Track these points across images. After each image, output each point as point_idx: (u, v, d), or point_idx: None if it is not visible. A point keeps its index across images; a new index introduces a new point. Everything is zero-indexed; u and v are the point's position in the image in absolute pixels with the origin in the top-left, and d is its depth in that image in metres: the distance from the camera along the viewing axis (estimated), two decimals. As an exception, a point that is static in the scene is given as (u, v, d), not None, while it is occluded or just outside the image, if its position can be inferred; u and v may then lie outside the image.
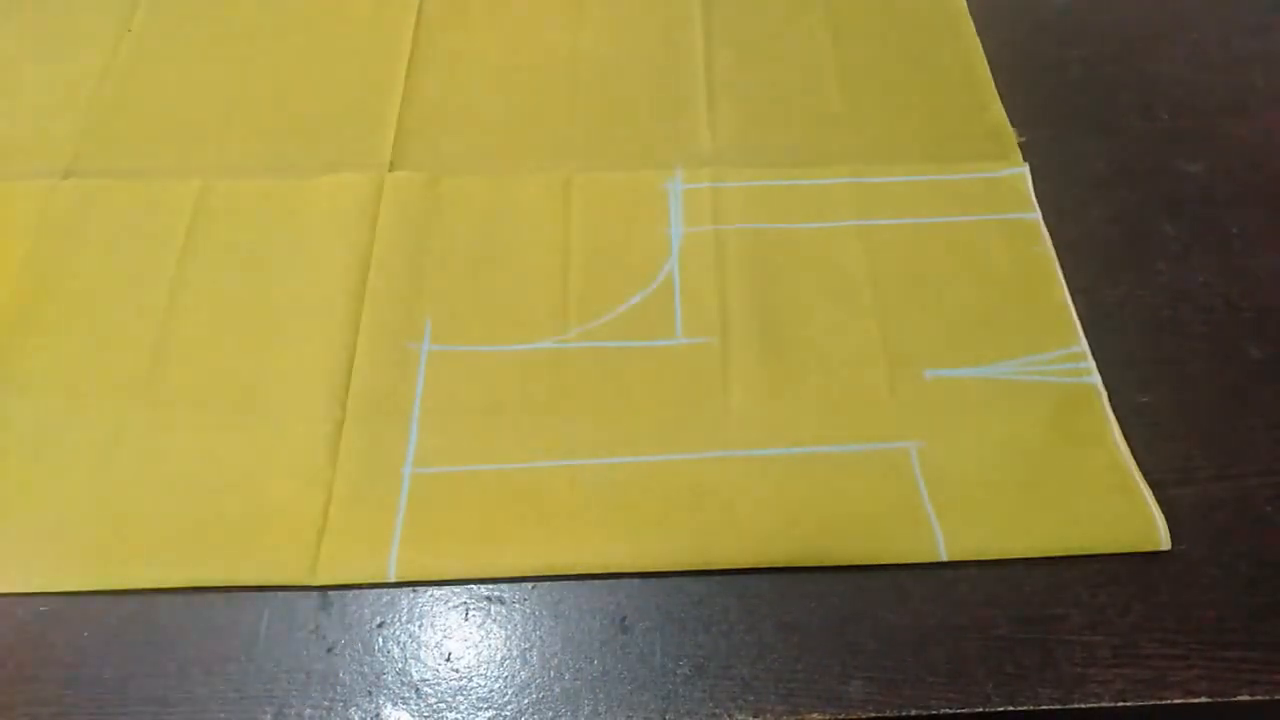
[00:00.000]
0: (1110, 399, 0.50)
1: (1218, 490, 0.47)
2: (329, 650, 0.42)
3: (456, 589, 0.44)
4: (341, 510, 0.46)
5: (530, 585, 0.45)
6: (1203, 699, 0.41)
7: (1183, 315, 0.54)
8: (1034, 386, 0.50)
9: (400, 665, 0.42)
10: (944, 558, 0.45)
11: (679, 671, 0.42)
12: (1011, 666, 0.42)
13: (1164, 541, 0.45)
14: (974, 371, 0.51)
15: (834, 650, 0.42)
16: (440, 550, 0.45)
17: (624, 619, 0.43)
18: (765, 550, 0.45)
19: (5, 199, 0.58)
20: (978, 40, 0.67)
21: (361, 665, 0.42)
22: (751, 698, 0.41)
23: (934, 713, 0.41)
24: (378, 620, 0.43)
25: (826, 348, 0.52)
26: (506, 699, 0.42)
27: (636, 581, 0.44)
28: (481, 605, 0.44)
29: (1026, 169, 0.59)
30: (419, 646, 0.43)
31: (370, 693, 0.41)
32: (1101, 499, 0.46)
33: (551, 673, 0.42)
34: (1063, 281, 0.54)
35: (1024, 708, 0.41)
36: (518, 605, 0.44)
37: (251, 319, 0.53)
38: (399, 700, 0.42)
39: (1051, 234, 0.56)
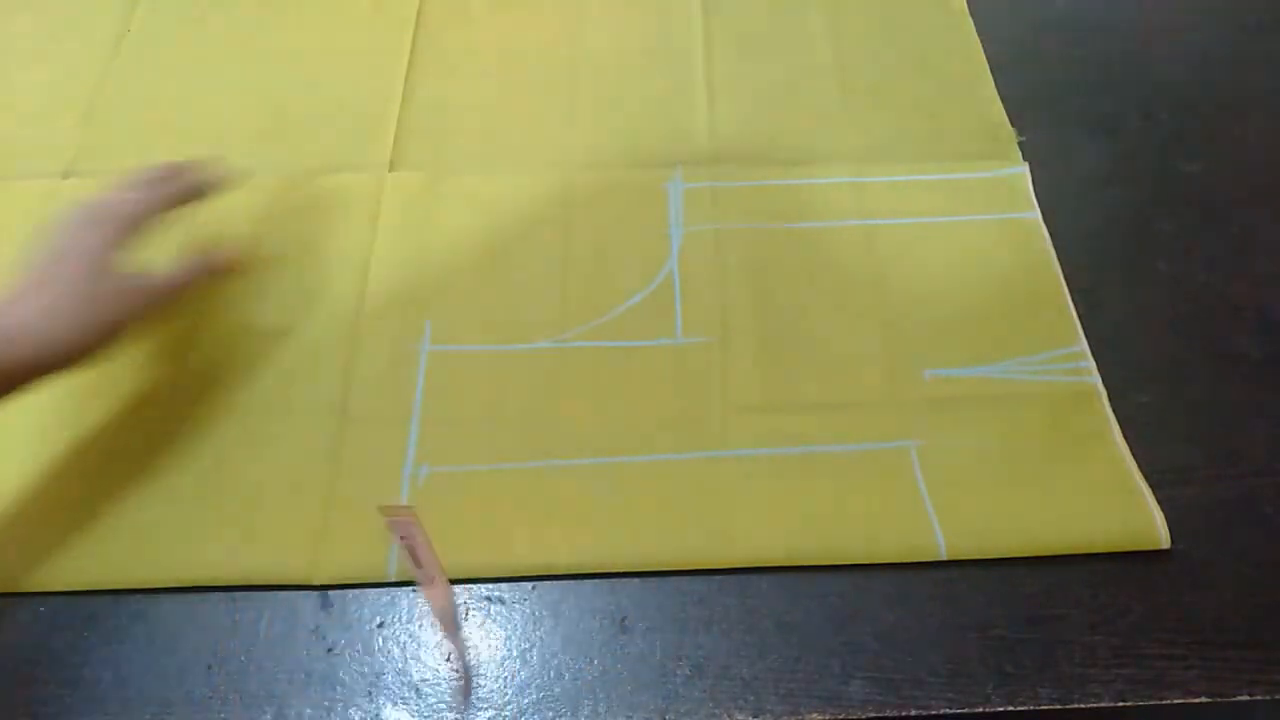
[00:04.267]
0: (1110, 399, 0.50)
1: (1218, 490, 0.47)
2: (329, 650, 0.42)
3: (456, 589, 0.44)
4: (342, 510, 0.46)
5: (530, 585, 0.45)
6: (1203, 699, 0.41)
7: (1183, 315, 0.54)
8: (1034, 386, 0.50)
9: (400, 665, 0.42)
10: (944, 557, 0.45)
11: (679, 671, 0.42)
12: (1011, 666, 0.42)
13: (1164, 541, 0.45)
14: (974, 371, 0.51)
15: (834, 650, 0.42)
16: (440, 550, 0.45)
17: (624, 619, 0.43)
18: (765, 550, 0.45)
19: (5, 199, 0.58)
20: (978, 40, 0.67)
21: (361, 665, 0.42)
22: (751, 698, 0.41)
23: (934, 713, 0.41)
24: (378, 620, 0.43)
25: (826, 347, 0.52)
26: (506, 699, 0.42)
27: (636, 581, 0.44)
28: (481, 605, 0.44)
29: (1026, 169, 0.59)
30: (419, 646, 0.43)
31: (370, 693, 0.41)
32: (1101, 499, 0.46)
33: (551, 673, 0.42)
34: (1063, 281, 0.54)
35: (1024, 708, 0.41)
36: (518, 605, 0.44)
37: (251, 319, 0.53)
38: (399, 700, 0.42)
39: (1051, 234, 0.56)
